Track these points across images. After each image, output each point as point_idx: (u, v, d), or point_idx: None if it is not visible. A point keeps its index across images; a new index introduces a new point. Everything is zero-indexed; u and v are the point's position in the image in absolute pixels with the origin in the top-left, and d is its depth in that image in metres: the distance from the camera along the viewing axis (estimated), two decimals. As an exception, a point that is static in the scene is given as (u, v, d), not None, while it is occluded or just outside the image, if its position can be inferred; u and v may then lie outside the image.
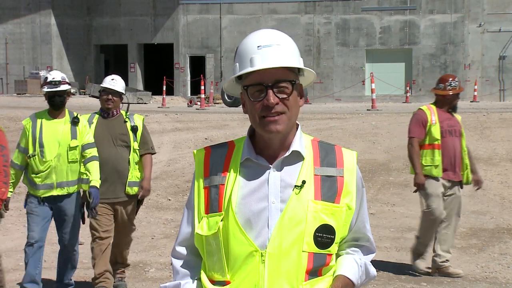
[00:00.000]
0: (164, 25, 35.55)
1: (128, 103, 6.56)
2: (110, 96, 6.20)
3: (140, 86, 35.96)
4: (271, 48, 2.10)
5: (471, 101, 30.92)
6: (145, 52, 36.85)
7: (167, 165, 13.26)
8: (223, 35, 34.62)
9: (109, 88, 6.20)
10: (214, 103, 29.99)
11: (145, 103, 30.61)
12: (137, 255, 7.65)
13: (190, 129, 18.59)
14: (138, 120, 6.33)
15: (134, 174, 6.19)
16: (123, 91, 6.29)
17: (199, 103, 28.88)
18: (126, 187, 6.15)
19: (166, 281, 2.34)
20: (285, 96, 2.10)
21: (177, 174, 12.50)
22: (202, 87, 28.95)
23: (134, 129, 6.22)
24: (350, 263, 2.22)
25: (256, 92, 2.11)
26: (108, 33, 36.54)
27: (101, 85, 6.28)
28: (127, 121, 6.24)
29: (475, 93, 31.45)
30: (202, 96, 28.70)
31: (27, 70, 35.42)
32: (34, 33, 35.90)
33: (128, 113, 6.36)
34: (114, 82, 6.21)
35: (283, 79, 2.10)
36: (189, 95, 34.06)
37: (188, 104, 29.91)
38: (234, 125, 18.56)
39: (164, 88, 30.54)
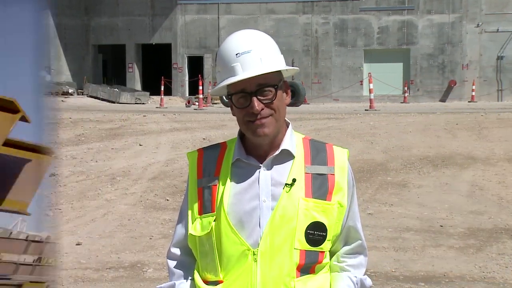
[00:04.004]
0: (162, 25, 35.54)
1: None
2: None
3: (138, 86, 35.96)
4: (249, 55, 2.09)
5: (469, 101, 30.98)
6: (143, 52, 36.83)
7: (165, 165, 13.25)
8: (221, 35, 34.60)
9: None
10: (212, 103, 29.99)
11: (143, 103, 30.64)
12: (135, 255, 7.64)
13: (188, 129, 18.60)
14: None
15: None
16: None
17: (197, 103, 28.89)
18: None
19: (163, 281, 2.35)
20: (268, 101, 2.10)
21: (175, 174, 12.48)
22: (200, 87, 28.96)
23: None
24: (347, 284, 2.22)
25: (240, 99, 2.12)
26: (106, 33, 36.51)
27: None
28: None
29: (473, 93, 31.51)
30: (200, 96, 28.71)
31: (25, 70, 35.40)
32: (32, 33, 35.85)
33: None
34: None
35: (265, 84, 2.09)
36: (187, 95, 34.05)
37: (186, 104, 29.93)
38: (232, 125, 18.54)
39: (162, 88, 30.57)
